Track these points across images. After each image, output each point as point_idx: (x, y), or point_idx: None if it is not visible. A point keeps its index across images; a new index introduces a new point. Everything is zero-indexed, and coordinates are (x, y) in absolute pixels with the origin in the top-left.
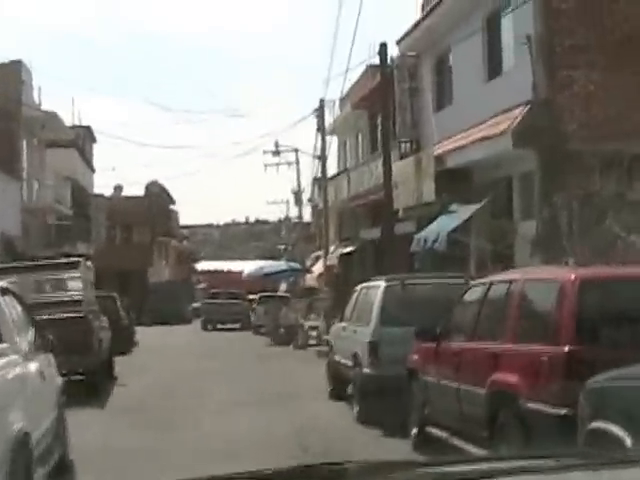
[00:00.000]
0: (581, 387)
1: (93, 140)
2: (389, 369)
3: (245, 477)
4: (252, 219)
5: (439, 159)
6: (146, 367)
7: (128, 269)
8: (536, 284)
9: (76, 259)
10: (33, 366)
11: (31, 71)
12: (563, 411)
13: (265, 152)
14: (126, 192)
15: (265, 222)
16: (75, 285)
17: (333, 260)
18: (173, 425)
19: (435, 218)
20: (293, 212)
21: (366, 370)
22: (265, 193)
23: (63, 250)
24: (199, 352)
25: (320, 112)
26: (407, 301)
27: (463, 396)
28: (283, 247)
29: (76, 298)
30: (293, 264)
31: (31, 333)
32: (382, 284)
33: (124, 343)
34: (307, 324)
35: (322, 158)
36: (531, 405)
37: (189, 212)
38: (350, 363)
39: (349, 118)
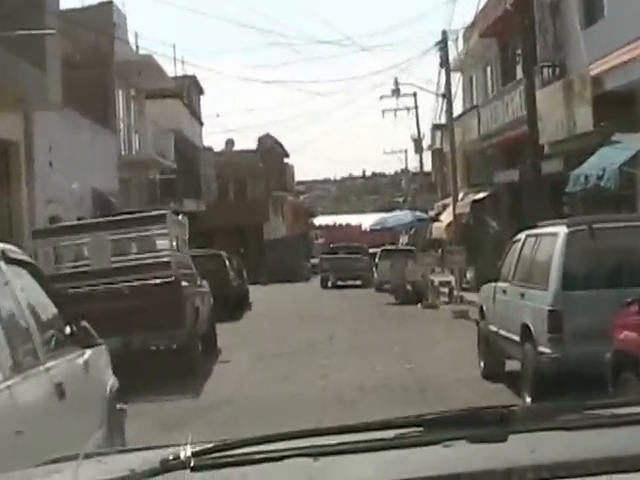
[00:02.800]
0: None
1: (200, 91)
2: (578, 348)
3: (413, 422)
4: (369, 172)
5: (596, 80)
6: (256, 336)
7: (243, 226)
8: None
9: (161, 212)
10: (38, 381)
11: (125, 14)
12: None
13: (383, 97)
14: (236, 142)
15: (382, 175)
16: (161, 244)
17: (464, 208)
18: (282, 413)
19: (592, 152)
20: (411, 163)
21: (543, 349)
22: (382, 143)
23: (168, 207)
24: (317, 314)
25: (443, 44)
26: (598, 253)
27: None
28: (402, 199)
29: (162, 259)
30: (419, 214)
31: (52, 324)
32: (562, 230)
33: (234, 307)
34: (437, 279)
35: (447, 94)
36: None
37: (305, 166)
38: (515, 337)
39: (476, 49)
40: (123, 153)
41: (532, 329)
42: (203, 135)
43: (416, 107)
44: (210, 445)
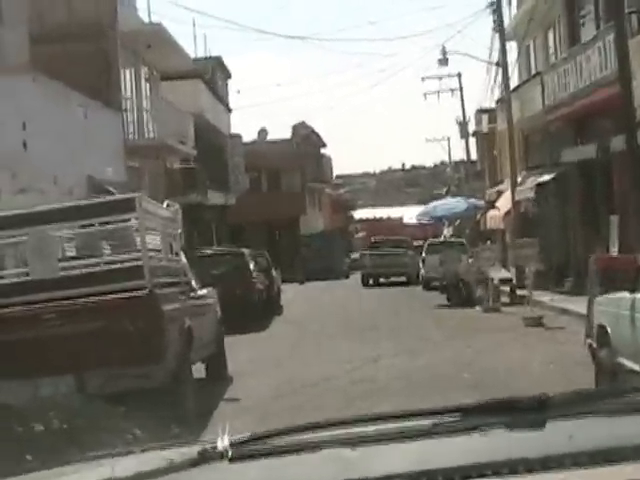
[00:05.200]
0: None
1: (227, 75)
2: None
3: (450, 410)
4: (408, 165)
5: None
6: (280, 354)
7: (277, 219)
8: None
9: (128, 196)
10: None
11: None
12: None
13: (424, 78)
14: (270, 131)
15: (422, 167)
16: (129, 240)
17: (525, 193)
18: None
19: None
20: (454, 151)
21: None
22: (423, 131)
23: (189, 200)
24: (358, 321)
25: (498, 4)
26: None
27: None
28: (445, 190)
29: (132, 264)
30: (474, 200)
31: None
32: None
33: (260, 314)
34: (497, 277)
35: (503, 62)
36: None
37: (342, 156)
38: None
39: (537, 8)
40: (131, 137)
41: None
42: (234, 124)
43: (461, 89)
44: (247, 435)
